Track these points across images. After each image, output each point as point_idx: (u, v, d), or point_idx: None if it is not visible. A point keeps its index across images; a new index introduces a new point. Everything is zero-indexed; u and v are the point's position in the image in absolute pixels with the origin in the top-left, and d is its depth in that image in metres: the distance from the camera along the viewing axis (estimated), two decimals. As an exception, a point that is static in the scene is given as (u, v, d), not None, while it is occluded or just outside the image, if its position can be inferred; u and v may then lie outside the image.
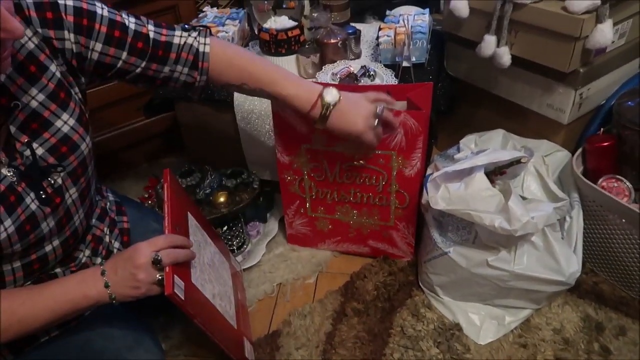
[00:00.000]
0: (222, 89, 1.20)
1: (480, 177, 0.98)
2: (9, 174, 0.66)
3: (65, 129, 0.71)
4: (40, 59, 0.67)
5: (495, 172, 1.04)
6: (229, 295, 0.98)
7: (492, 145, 1.15)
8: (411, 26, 1.22)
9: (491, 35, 1.11)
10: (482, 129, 1.21)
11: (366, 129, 0.89)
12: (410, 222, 1.15)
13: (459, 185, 0.98)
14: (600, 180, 1.08)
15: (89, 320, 0.80)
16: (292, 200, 1.20)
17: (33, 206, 0.68)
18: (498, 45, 1.12)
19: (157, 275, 0.71)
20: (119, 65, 0.77)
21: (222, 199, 1.22)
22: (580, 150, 1.14)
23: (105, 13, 0.73)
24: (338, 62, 1.27)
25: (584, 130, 1.25)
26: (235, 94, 1.23)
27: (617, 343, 1.00)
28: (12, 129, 0.67)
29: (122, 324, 0.82)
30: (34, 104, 0.67)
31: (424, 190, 1.00)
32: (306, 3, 1.39)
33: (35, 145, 0.68)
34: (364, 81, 1.18)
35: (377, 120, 0.90)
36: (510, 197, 0.91)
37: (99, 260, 0.85)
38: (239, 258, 1.25)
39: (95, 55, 0.74)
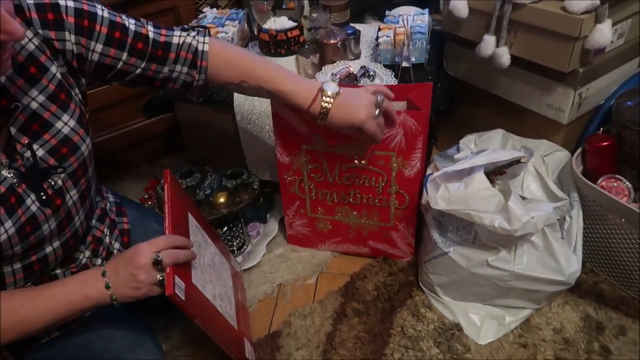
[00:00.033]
0: (221, 89, 1.20)
1: (480, 177, 0.98)
2: (9, 176, 0.66)
3: (66, 130, 0.71)
4: (41, 60, 0.67)
5: (495, 172, 1.04)
6: (230, 295, 0.99)
7: (491, 145, 1.15)
8: (410, 26, 1.22)
9: (490, 35, 1.12)
10: (482, 129, 1.21)
11: (368, 118, 0.87)
12: (410, 223, 1.15)
13: (459, 185, 0.98)
14: (600, 180, 1.09)
15: (90, 321, 0.80)
16: (292, 200, 1.20)
17: (33, 208, 0.68)
18: (497, 45, 1.12)
19: (158, 276, 0.71)
20: (119, 66, 0.77)
21: (222, 200, 1.22)
22: (579, 150, 1.14)
23: (106, 14, 0.74)
24: (338, 62, 1.27)
25: (583, 130, 1.25)
26: (235, 95, 1.23)
27: (617, 343, 1.00)
28: (13, 130, 0.67)
29: (123, 324, 0.82)
30: (34, 105, 0.67)
31: (424, 191, 1.00)
32: (306, 3, 1.39)
33: (35, 146, 0.68)
34: (364, 81, 1.18)
35: (378, 109, 0.89)
36: (510, 197, 0.91)
37: (99, 261, 0.85)
38: (239, 259, 1.25)
39: (95, 56, 0.74)
